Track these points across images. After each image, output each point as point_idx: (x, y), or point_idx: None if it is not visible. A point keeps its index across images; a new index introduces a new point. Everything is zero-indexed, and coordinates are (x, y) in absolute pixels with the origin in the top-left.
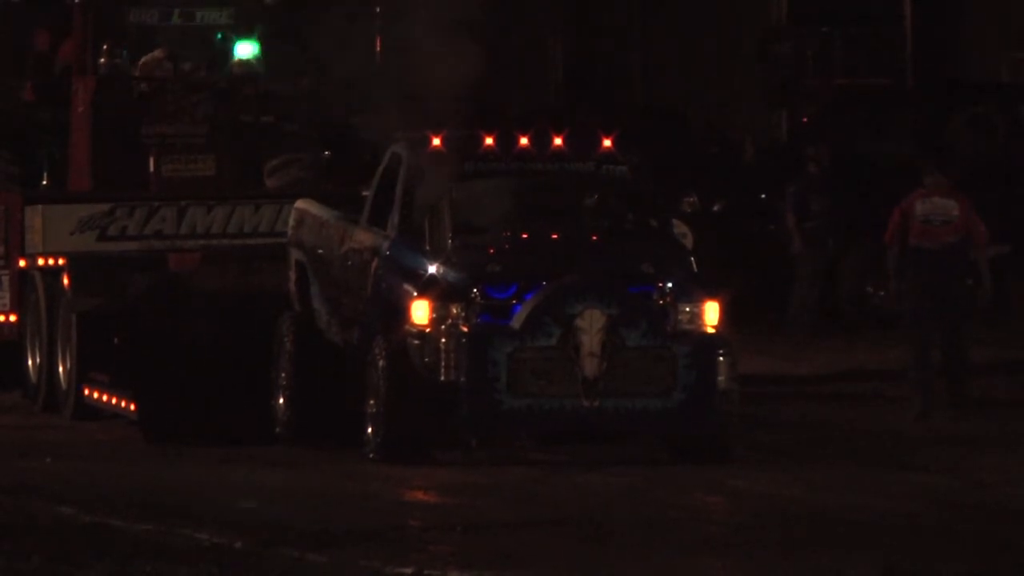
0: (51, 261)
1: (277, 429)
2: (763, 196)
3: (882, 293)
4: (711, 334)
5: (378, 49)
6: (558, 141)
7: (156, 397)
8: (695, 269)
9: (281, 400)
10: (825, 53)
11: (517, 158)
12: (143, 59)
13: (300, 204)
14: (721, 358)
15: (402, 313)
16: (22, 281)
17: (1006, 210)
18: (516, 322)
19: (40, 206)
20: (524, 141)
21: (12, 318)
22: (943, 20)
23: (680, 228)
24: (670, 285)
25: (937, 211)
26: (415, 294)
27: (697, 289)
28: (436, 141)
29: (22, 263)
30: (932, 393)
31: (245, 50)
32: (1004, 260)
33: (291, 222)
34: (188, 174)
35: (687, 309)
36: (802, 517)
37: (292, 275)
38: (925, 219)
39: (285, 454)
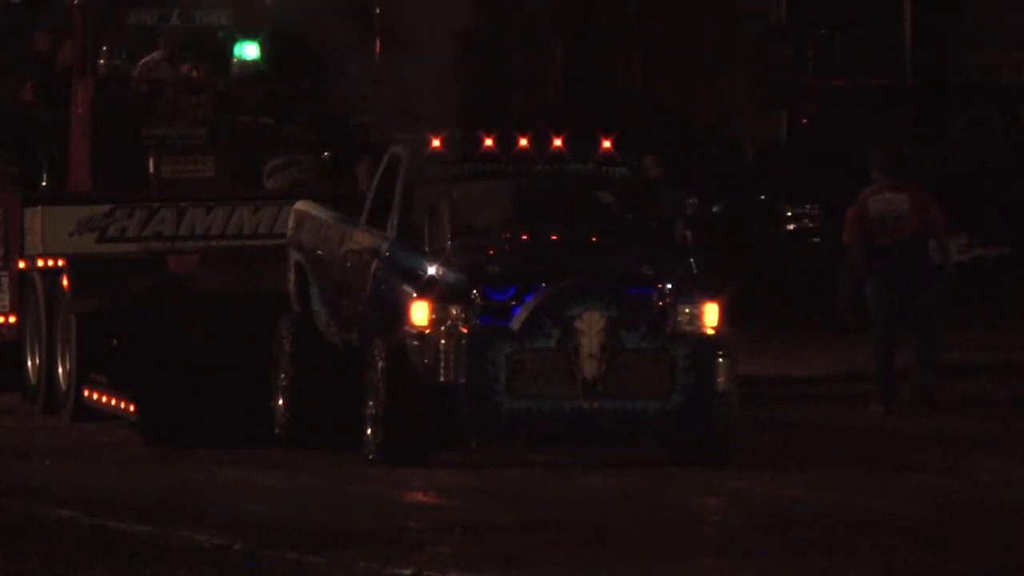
0: (51, 262)
1: (276, 430)
2: (762, 197)
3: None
4: (710, 336)
5: (377, 49)
6: (557, 142)
7: (156, 398)
8: (694, 270)
9: (280, 401)
10: (825, 53)
11: (516, 159)
12: (143, 60)
13: (299, 205)
14: (720, 360)
15: (401, 314)
16: (22, 282)
17: (1005, 210)
18: (515, 323)
19: (40, 207)
20: (523, 142)
21: (12, 319)
22: (943, 20)
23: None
24: (669, 286)
25: (890, 208)
26: (414, 295)
27: (696, 290)
28: (435, 142)
29: (21, 264)
30: (895, 392)
31: (245, 51)
32: (1004, 260)
33: (290, 223)
34: (188, 175)
35: (686, 311)
36: (802, 518)
37: (291, 276)
38: (880, 218)
39: (284, 455)
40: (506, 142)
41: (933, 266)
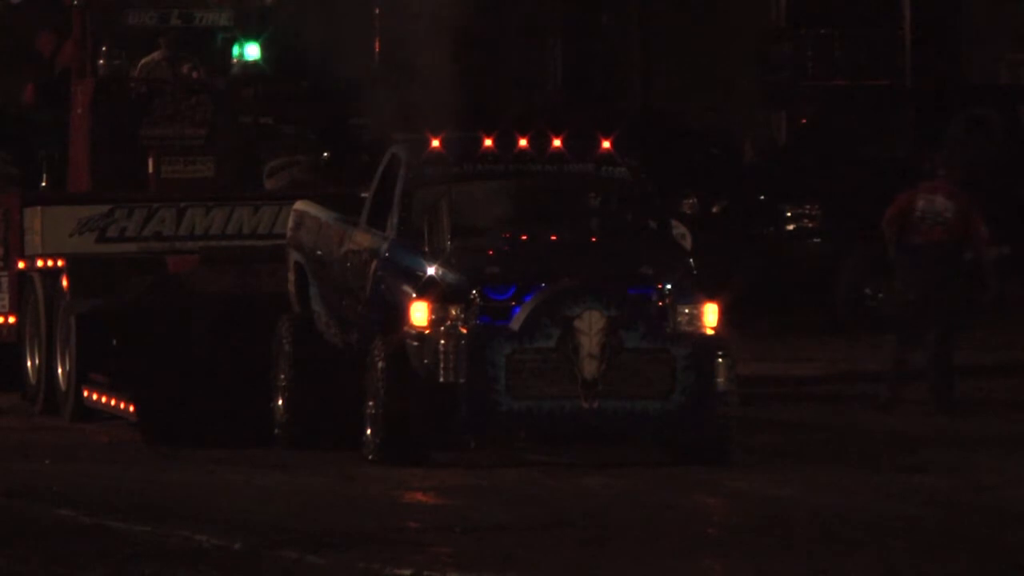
0: (50, 262)
1: (276, 431)
2: (762, 197)
3: (880, 295)
4: (710, 336)
5: (377, 50)
6: (557, 143)
7: (155, 399)
8: (694, 271)
9: (280, 402)
10: (825, 54)
11: (516, 159)
12: (143, 60)
13: (299, 206)
14: (720, 360)
15: (401, 315)
16: (21, 283)
17: (1006, 211)
18: (515, 324)
19: (39, 207)
20: (523, 143)
21: (11, 320)
22: (943, 20)
23: (679, 229)
24: (669, 287)
25: (935, 210)
26: (414, 296)
27: (696, 291)
28: (435, 142)
29: (21, 265)
30: (899, 389)
31: (245, 51)
32: (1004, 261)
33: (290, 224)
34: (187, 175)
35: (686, 311)
36: (802, 518)
37: (291, 277)
38: (922, 216)
39: (284, 456)
40: (506, 142)
41: (959, 277)
